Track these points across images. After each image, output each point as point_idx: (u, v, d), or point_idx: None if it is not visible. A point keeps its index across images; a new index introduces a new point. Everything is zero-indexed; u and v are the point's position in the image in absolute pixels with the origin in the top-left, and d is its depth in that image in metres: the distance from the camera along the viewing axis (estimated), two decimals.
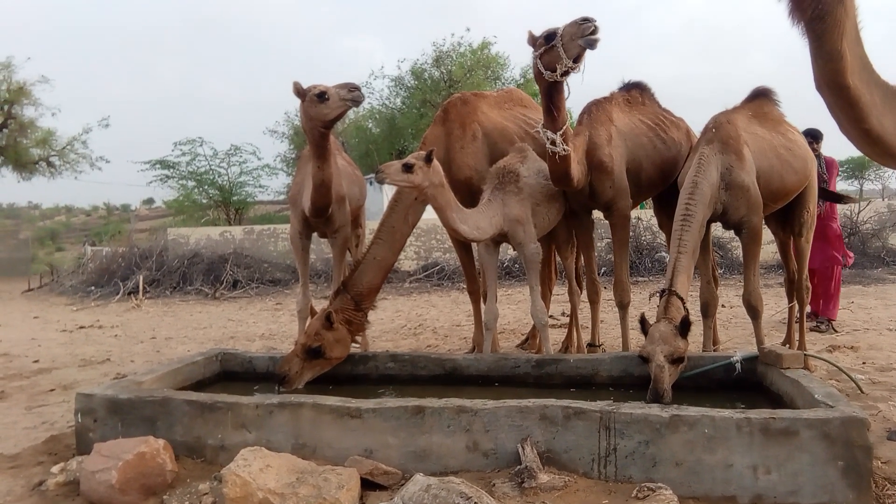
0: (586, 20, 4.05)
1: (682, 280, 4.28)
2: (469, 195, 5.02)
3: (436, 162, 4.24)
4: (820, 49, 2.56)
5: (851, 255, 7.69)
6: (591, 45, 4.07)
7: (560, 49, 4.14)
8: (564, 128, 4.47)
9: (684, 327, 3.95)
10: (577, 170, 4.77)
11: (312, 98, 4.78)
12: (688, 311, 4.18)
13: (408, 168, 4.08)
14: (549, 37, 4.21)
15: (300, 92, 4.84)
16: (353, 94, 4.76)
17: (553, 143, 4.46)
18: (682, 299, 4.19)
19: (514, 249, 4.98)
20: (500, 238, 4.91)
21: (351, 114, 34.38)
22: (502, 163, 4.97)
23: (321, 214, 5.46)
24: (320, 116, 4.82)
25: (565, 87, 4.37)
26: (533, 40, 4.33)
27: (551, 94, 4.41)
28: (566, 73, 4.23)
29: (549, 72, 4.25)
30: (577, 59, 4.15)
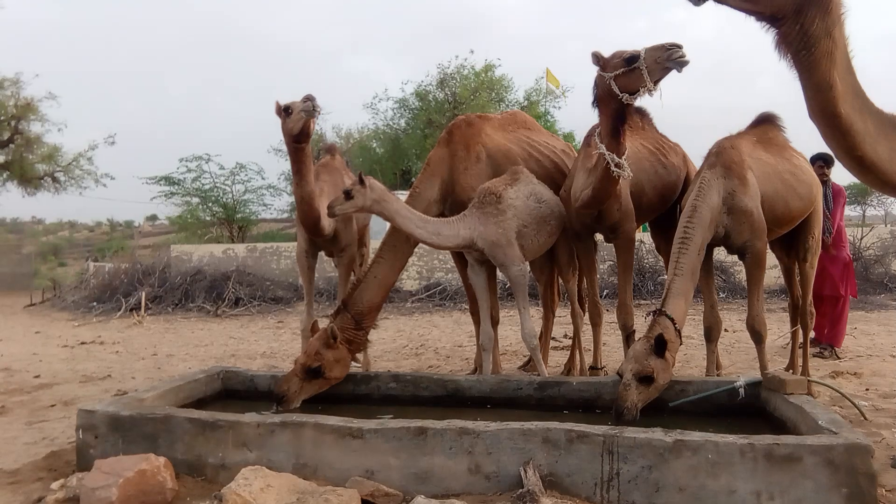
0: (675, 45, 4.07)
1: (675, 302, 4.28)
2: None
3: (371, 180, 4.51)
4: (809, 80, 2.58)
5: (855, 288, 7.65)
6: (680, 66, 4.07)
7: (644, 71, 4.14)
8: (626, 152, 4.52)
9: (659, 346, 3.95)
10: None
11: (281, 114, 4.94)
12: (679, 333, 4.19)
13: (348, 195, 4.45)
14: (632, 59, 4.21)
15: (278, 110, 4.98)
16: (305, 104, 4.84)
17: (619, 166, 4.48)
18: (672, 320, 4.18)
19: (500, 271, 5.01)
20: (481, 257, 4.97)
21: (355, 133, 34.68)
22: (488, 184, 5.02)
23: (314, 232, 5.49)
24: (287, 131, 4.96)
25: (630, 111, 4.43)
26: (604, 61, 4.35)
27: (622, 116, 4.43)
28: (634, 93, 4.24)
29: (625, 94, 4.26)
30: (656, 82, 4.17)
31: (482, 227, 4.76)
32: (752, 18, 2.59)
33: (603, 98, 4.42)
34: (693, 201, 4.63)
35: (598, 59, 4.37)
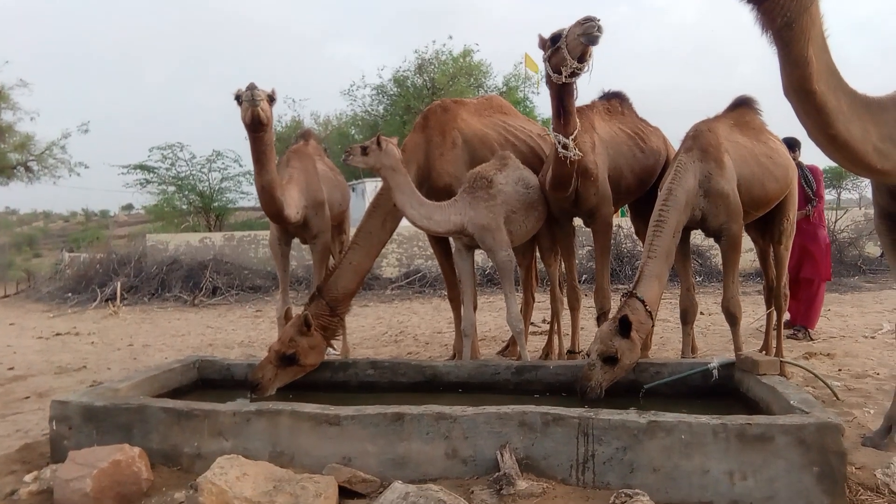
0: (588, 19, 4.03)
1: (649, 285, 4.32)
2: None
3: (390, 146, 4.50)
4: (788, 55, 2.60)
5: (829, 270, 7.73)
6: (592, 41, 4.03)
7: (564, 50, 4.13)
8: (576, 132, 4.48)
9: (623, 327, 3.98)
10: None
11: (237, 102, 4.82)
12: (650, 314, 4.23)
13: (363, 151, 4.51)
14: (555, 38, 4.21)
15: (238, 99, 4.85)
16: (246, 93, 4.73)
17: (565, 147, 4.48)
18: (643, 302, 4.22)
19: (488, 256, 5.02)
20: (470, 242, 4.97)
21: (333, 120, 34.47)
22: (478, 168, 5.02)
23: (278, 220, 5.44)
24: (242, 120, 4.84)
25: (574, 90, 4.38)
26: (542, 43, 4.32)
27: (561, 97, 4.42)
28: (573, 74, 4.21)
29: (556, 74, 4.25)
30: (581, 59, 4.13)
31: (472, 211, 4.78)
32: None
33: (547, 80, 4.42)
34: (669, 184, 4.66)
35: (539, 40, 4.36)
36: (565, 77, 4.22)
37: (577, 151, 4.53)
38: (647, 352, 5.16)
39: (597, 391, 3.92)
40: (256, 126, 4.84)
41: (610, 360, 3.97)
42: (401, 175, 4.57)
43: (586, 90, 5.78)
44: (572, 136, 4.47)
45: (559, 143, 4.49)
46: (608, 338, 4.01)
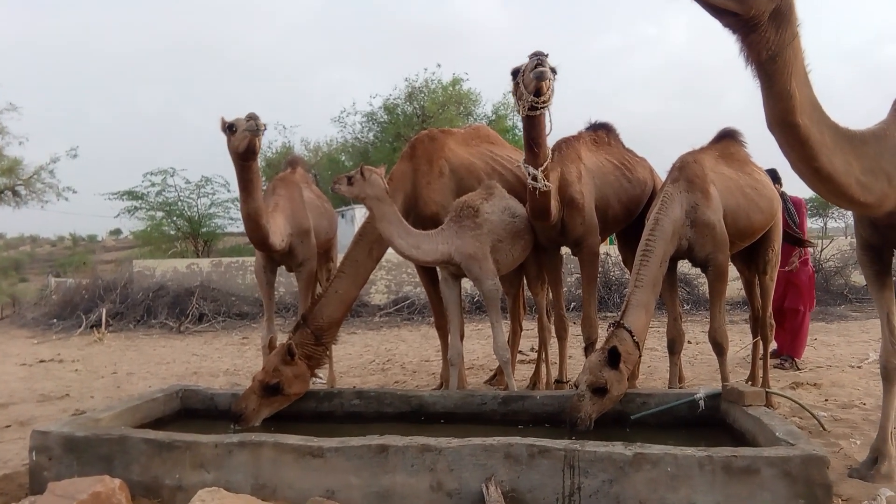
0: (534, 55, 4.09)
1: (636, 314, 4.33)
2: None
3: (374, 176, 4.50)
4: (771, 89, 2.64)
5: (813, 301, 7.75)
6: (539, 76, 4.07)
7: (521, 85, 4.19)
8: (546, 163, 4.51)
9: (612, 358, 3.99)
10: (554, 206, 4.84)
11: (226, 131, 4.86)
12: (638, 345, 4.23)
13: (349, 181, 4.53)
14: (514, 73, 4.29)
15: (224, 127, 4.90)
16: (249, 123, 4.77)
17: (534, 178, 4.50)
18: (631, 332, 4.22)
19: (474, 285, 5.02)
20: (456, 271, 4.96)
21: (324, 146, 34.57)
22: (464, 198, 5.03)
23: (263, 248, 5.45)
24: (232, 149, 4.88)
25: (543, 122, 4.41)
26: (511, 76, 4.38)
27: (528, 129, 4.47)
28: (533, 108, 4.25)
29: (519, 107, 4.31)
30: (538, 93, 4.16)
31: (459, 240, 4.77)
32: (724, 23, 2.63)
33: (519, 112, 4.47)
34: (656, 215, 4.70)
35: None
36: (526, 111, 4.27)
37: (546, 183, 4.54)
38: (634, 381, 5.16)
39: (586, 423, 3.90)
40: (249, 155, 4.88)
41: (599, 391, 3.96)
42: (386, 205, 4.57)
43: (573, 121, 5.86)
44: (542, 168, 4.49)
45: (528, 174, 4.53)
46: (597, 369, 4.00)
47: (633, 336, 4.21)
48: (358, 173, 4.52)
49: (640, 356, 4.38)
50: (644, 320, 4.38)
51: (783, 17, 2.57)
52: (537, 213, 4.80)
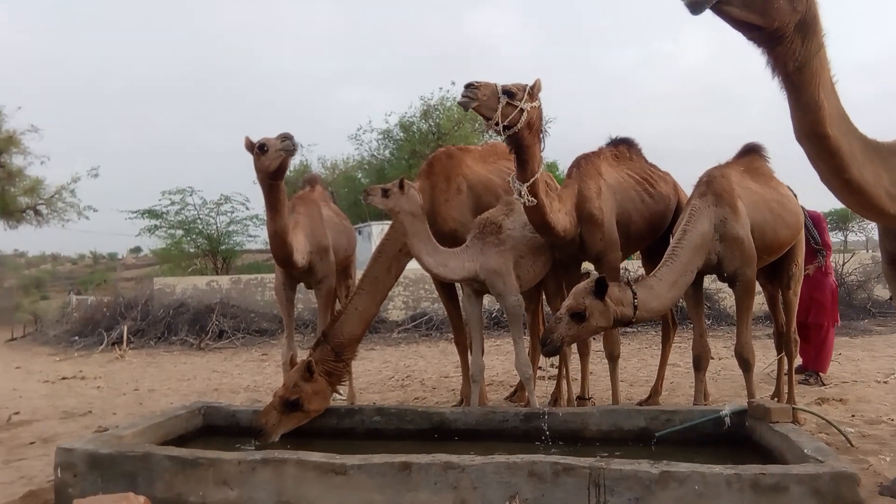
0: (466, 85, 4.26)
1: (647, 284, 4.42)
2: (454, 247, 5.05)
3: (412, 191, 4.54)
4: (799, 100, 2.63)
5: (837, 315, 7.66)
6: (462, 104, 4.28)
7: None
8: (533, 179, 4.52)
9: (599, 289, 4.08)
10: (563, 220, 4.84)
11: (256, 151, 4.88)
12: (634, 306, 4.27)
13: (384, 193, 4.51)
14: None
15: (250, 146, 4.92)
16: (284, 143, 4.82)
17: (519, 193, 4.53)
18: (634, 293, 4.28)
19: (497, 301, 5.01)
20: (480, 288, 4.95)
21: (340, 164, 34.75)
22: (486, 214, 5.05)
23: (287, 266, 5.48)
24: (263, 168, 4.90)
25: (524, 139, 4.43)
26: None
27: (510, 147, 4.53)
28: (508, 128, 4.31)
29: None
30: (502, 119, 4.26)
31: (483, 257, 4.80)
32: (749, 37, 2.62)
33: None
34: (684, 227, 4.72)
35: None
36: (501, 129, 4.33)
37: (531, 198, 4.54)
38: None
39: (557, 343, 4.00)
40: (279, 174, 4.94)
41: (577, 316, 4.00)
42: (419, 222, 4.57)
43: (592, 137, 5.87)
44: (528, 183, 4.50)
45: (515, 189, 4.57)
46: (581, 295, 4.05)
47: (634, 297, 4.24)
48: (396, 186, 4.52)
49: (633, 317, 4.34)
50: (657, 291, 4.41)
51: (808, 28, 2.56)
52: (536, 227, 4.82)
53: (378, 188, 4.59)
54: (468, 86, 4.24)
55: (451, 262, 4.70)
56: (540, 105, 4.50)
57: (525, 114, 4.32)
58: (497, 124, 4.27)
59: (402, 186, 4.51)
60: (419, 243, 4.57)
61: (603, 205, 5.18)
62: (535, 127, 4.48)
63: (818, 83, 2.60)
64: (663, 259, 4.63)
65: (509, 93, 4.27)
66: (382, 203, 4.52)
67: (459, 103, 4.33)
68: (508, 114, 4.27)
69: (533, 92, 4.40)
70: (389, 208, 4.53)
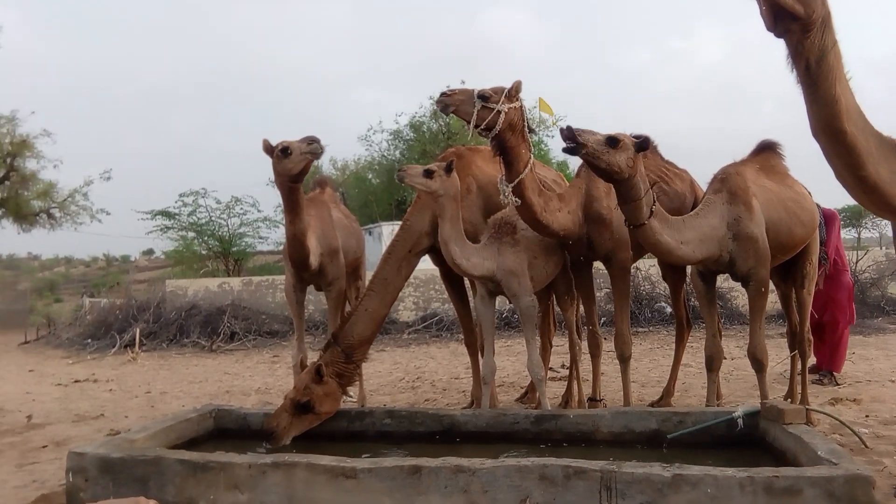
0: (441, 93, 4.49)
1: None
2: None
3: (455, 175, 4.54)
4: (815, 94, 2.61)
5: (853, 314, 7.57)
6: (442, 110, 4.51)
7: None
8: (518, 179, 4.52)
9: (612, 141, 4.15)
10: (561, 219, 4.84)
11: (277, 154, 4.86)
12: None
13: (428, 174, 4.44)
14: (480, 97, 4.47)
15: (269, 149, 4.91)
16: (311, 146, 4.82)
17: (504, 193, 4.56)
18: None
19: (510, 301, 4.99)
20: (494, 289, 4.94)
21: (351, 165, 34.82)
22: (500, 214, 5.03)
23: (303, 268, 5.49)
24: (285, 171, 4.89)
25: (507, 140, 4.46)
26: None
27: (494, 147, 4.57)
28: (488, 129, 4.39)
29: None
30: (478, 122, 4.37)
31: (500, 257, 4.80)
32: (782, 27, 2.59)
33: None
34: (696, 212, 4.77)
35: None
36: (482, 130, 4.41)
37: (515, 199, 4.55)
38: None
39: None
40: (301, 177, 4.96)
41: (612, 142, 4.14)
42: (455, 207, 4.56)
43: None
44: (512, 184, 4.51)
45: (500, 190, 4.60)
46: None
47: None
48: (443, 168, 4.49)
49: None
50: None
51: (826, 22, 2.57)
52: (531, 227, 4.82)
53: (419, 167, 4.52)
54: (443, 93, 4.46)
55: (474, 258, 4.70)
56: (521, 106, 4.55)
57: (503, 115, 4.38)
58: (476, 126, 4.36)
59: (449, 169, 4.48)
60: (451, 230, 4.55)
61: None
62: (518, 128, 4.51)
63: (835, 77, 2.59)
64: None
65: (483, 96, 4.38)
66: (423, 184, 4.44)
67: (438, 108, 4.53)
68: (485, 117, 4.37)
69: (511, 94, 4.46)
70: (432, 190, 4.45)
